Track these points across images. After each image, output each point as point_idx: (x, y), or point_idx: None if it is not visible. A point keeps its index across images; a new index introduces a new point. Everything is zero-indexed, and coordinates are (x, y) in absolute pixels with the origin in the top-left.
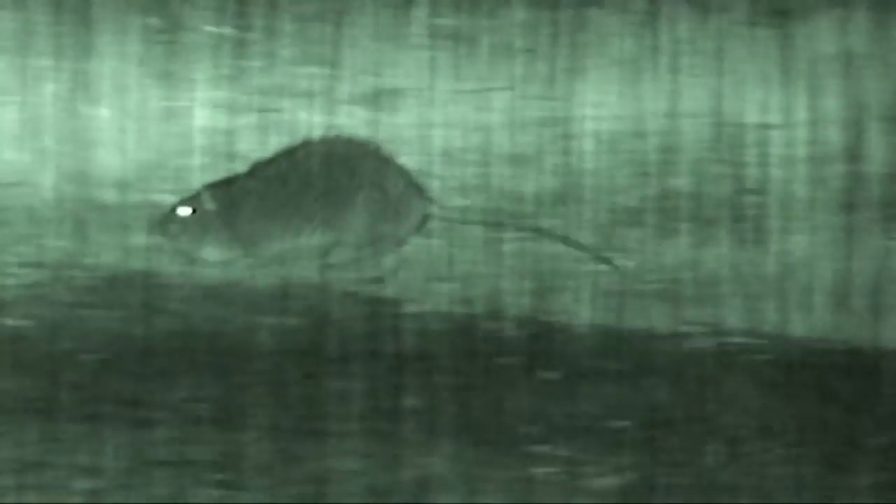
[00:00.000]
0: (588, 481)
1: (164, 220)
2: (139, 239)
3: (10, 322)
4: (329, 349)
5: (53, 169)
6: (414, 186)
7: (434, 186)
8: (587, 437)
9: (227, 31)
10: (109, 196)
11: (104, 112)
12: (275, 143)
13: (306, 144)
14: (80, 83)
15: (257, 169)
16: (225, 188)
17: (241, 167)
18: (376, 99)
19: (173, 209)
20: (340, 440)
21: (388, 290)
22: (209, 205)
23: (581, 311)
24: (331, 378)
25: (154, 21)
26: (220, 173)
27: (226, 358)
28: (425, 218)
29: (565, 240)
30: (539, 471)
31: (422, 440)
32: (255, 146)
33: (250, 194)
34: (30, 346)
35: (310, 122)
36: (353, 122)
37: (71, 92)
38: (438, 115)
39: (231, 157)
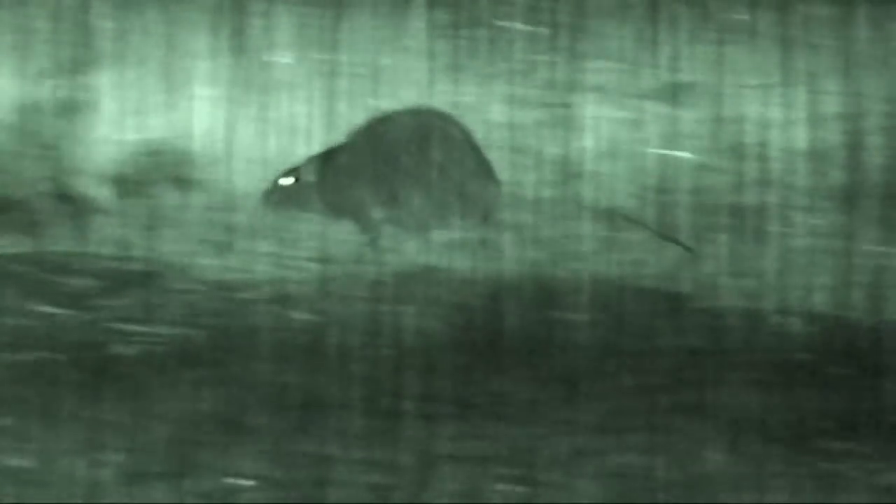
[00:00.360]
0: (878, 477)
1: (268, 191)
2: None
3: (300, 316)
4: (621, 344)
5: None
6: (486, 170)
7: (722, 181)
8: (878, 433)
9: (519, 25)
10: None
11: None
12: (563, 138)
13: (390, 117)
14: (369, 78)
15: (349, 141)
16: (322, 160)
17: (528, 162)
18: (666, 93)
19: (277, 180)
20: (634, 435)
21: (680, 286)
22: (308, 175)
23: (871, 306)
24: (622, 373)
25: (443, 16)
26: (507, 168)
27: (517, 354)
28: (493, 204)
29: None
30: (829, 467)
31: (714, 436)
32: (544, 141)
33: (342, 166)
34: (319, 341)
35: (599, 116)
36: (642, 116)
37: (360, 86)
38: (728, 110)
39: (519, 151)
